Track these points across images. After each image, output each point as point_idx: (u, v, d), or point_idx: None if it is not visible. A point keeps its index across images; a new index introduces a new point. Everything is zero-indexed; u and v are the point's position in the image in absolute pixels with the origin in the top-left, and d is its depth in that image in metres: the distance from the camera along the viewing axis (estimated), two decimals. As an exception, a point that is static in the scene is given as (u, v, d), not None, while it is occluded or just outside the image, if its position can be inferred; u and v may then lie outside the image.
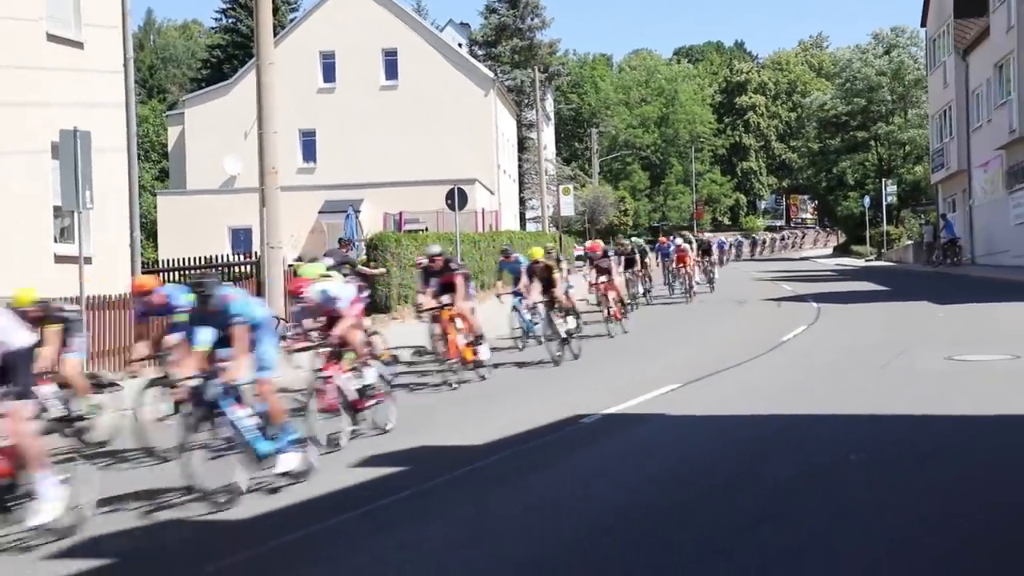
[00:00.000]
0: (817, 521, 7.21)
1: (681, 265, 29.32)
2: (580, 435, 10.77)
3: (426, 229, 35.23)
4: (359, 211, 38.23)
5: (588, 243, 24.83)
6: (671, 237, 35.43)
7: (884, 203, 58.74)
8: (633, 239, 32.32)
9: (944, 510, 7.36)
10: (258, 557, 6.90)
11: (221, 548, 7.19)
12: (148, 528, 7.73)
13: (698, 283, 30.75)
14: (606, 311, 20.42)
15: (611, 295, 20.57)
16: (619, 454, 9.85)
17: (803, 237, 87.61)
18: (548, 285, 16.85)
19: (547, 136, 65.36)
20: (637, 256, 27.17)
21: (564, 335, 16.47)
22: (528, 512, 7.82)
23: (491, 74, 49.34)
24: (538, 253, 17.42)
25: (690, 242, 31.92)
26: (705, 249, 33.25)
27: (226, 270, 25.34)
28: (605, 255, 21.50)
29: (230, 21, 64.46)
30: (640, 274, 27.39)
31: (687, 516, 7.47)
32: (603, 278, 20.85)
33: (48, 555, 7.03)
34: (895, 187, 60.53)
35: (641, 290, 27.49)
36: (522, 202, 59.81)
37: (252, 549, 7.02)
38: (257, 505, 8.22)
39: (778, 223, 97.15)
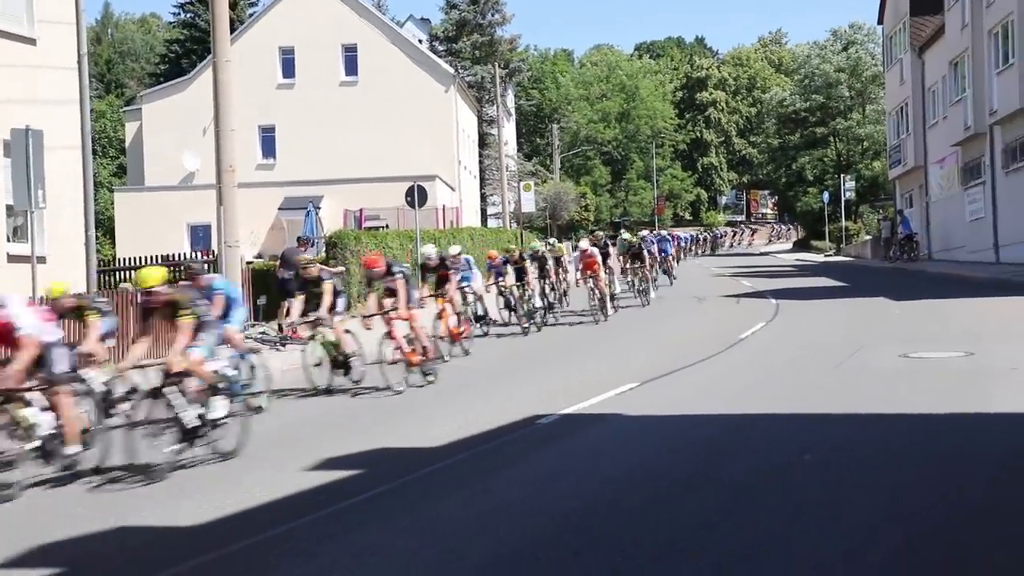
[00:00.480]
0: (773, 521, 7.24)
1: (589, 273, 23.06)
2: (537, 436, 10.76)
3: (387, 226, 35.15)
4: (319, 208, 38.09)
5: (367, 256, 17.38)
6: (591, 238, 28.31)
7: (843, 198, 59.33)
8: (542, 243, 26.09)
9: (899, 508, 7.41)
10: (207, 564, 6.81)
11: (169, 555, 7.10)
12: (99, 534, 7.64)
13: (639, 292, 25.82)
14: (391, 353, 14.27)
15: (394, 333, 14.39)
16: (576, 455, 9.85)
17: (751, 233, 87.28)
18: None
19: (508, 132, 65.34)
20: (528, 264, 22.14)
21: (190, 423, 9.77)
22: (486, 514, 7.80)
23: (451, 70, 49.25)
24: (152, 278, 10.05)
25: (605, 245, 24.99)
26: (635, 252, 26.38)
27: (184, 268, 25.05)
28: (390, 273, 14.79)
29: (188, 16, 63.84)
30: (541, 285, 22.57)
31: (644, 517, 7.47)
32: (390, 300, 14.70)
33: (-3, 563, 6.93)
34: (853, 183, 61.15)
35: (539, 304, 22.41)
36: (483, 198, 59.78)
37: (202, 556, 6.93)
38: (208, 510, 8.14)
39: (739, 218, 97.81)
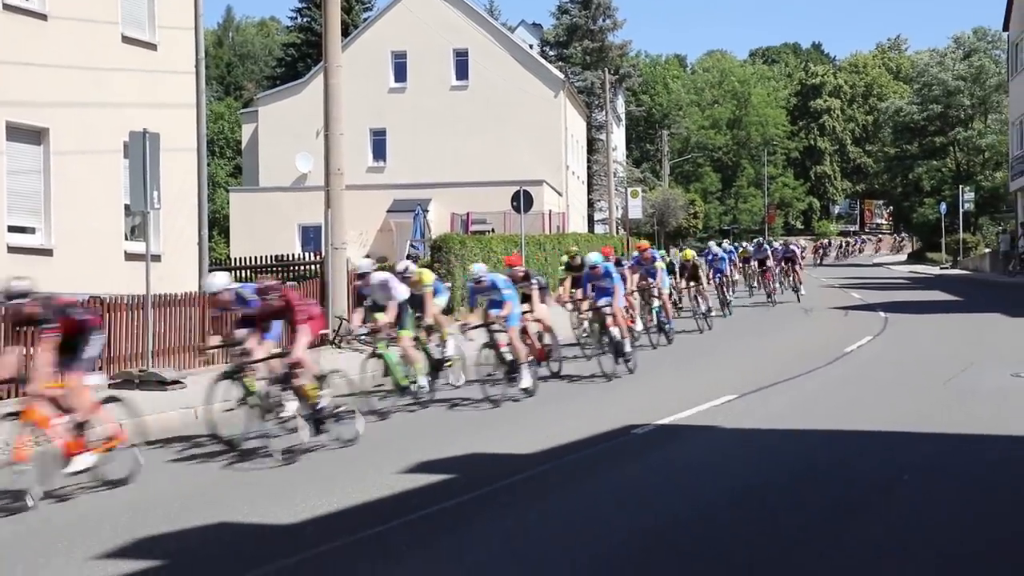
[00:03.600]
0: (867, 542, 7.11)
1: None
2: (631, 447, 10.72)
3: (492, 230, 35.32)
4: (427, 211, 38.48)
5: None
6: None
7: (961, 210, 57.53)
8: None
9: (1002, 532, 7.21)
10: (296, 565, 6.94)
11: (261, 553, 7.26)
12: (197, 529, 7.87)
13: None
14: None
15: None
16: (668, 468, 9.78)
17: (864, 244, 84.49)
18: None
19: (617, 138, 65.12)
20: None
21: None
22: (572, 526, 7.80)
23: (561, 75, 49.30)
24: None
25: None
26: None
27: (293, 269, 25.63)
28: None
29: (304, 20, 65.07)
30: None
31: (734, 533, 7.41)
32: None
33: (95, 555, 7.20)
34: (973, 194, 59.22)
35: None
36: (591, 204, 59.68)
37: (292, 556, 7.06)
38: (303, 508, 8.30)
39: (852, 228, 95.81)
